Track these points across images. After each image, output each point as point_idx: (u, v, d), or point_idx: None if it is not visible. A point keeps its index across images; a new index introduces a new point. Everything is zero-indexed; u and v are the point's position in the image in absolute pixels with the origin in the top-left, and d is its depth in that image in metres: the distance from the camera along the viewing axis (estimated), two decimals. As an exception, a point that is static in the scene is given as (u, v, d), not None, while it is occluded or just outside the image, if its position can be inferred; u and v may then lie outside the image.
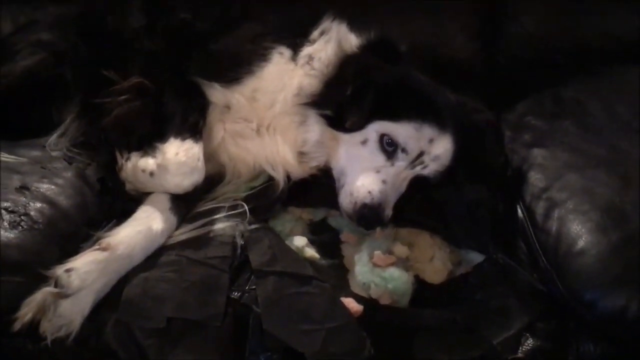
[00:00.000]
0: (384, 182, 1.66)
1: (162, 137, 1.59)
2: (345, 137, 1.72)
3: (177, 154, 1.56)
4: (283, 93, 1.74)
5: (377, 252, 1.63)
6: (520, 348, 1.51)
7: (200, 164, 1.59)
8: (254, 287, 1.53)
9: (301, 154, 1.76)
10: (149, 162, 1.58)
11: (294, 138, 1.75)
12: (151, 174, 1.58)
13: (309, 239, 1.69)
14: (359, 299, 1.56)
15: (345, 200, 1.68)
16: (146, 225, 1.55)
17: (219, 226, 1.64)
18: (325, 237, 1.74)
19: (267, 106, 1.74)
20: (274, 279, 1.53)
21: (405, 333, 1.52)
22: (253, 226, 1.65)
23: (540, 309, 1.58)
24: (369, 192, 1.64)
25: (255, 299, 1.50)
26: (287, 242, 1.66)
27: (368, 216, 1.63)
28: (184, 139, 1.58)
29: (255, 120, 1.75)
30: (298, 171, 1.77)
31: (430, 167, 1.71)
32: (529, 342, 1.52)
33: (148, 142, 1.60)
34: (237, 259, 1.58)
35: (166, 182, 1.58)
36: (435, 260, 1.68)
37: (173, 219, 1.62)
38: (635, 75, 2.01)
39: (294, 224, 1.73)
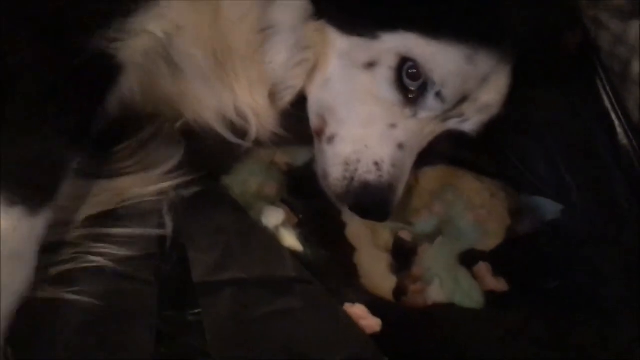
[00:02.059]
0: (400, 146, 1.08)
1: None
2: (341, 44, 1.09)
3: None
4: None
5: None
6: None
7: None
8: (198, 310, 0.96)
9: (272, 93, 1.15)
10: None
11: (256, 69, 1.13)
12: None
13: (290, 204, 1.10)
14: (374, 303, 1.04)
15: (333, 169, 1.09)
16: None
17: (135, 193, 1.03)
18: (314, 202, 1.13)
19: (211, 18, 1.10)
20: (231, 292, 0.98)
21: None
22: (191, 190, 1.04)
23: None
24: (376, 165, 1.07)
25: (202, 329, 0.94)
26: (251, 214, 1.06)
27: (370, 203, 1.08)
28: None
29: (209, 43, 1.11)
30: (271, 115, 1.16)
31: (473, 121, 1.11)
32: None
33: None
34: (171, 256, 0.99)
35: None
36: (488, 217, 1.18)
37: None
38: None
39: (264, 176, 1.14)
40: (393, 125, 1.10)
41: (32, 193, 0.92)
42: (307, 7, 1.08)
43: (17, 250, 0.92)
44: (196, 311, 0.98)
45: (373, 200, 1.09)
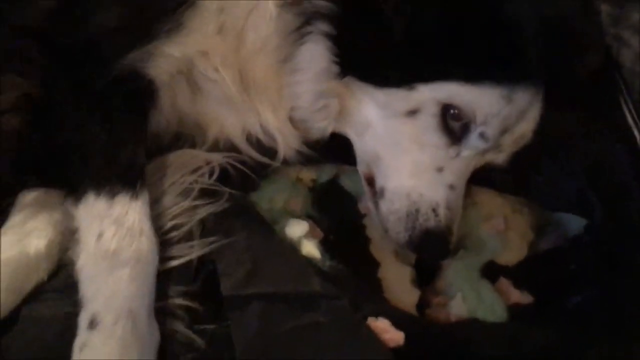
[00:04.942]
0: (451, 188, 1.11)
1: (74, 190, 0.98)
2: (375, 95, 1.09)
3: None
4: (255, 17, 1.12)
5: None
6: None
7: (146, 240, 0.96)
8: (228, 322, 0.97)
9: (294, 120, 1.17)
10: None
11: (278, 94, 1.15)
12: None
13: (315, 219, 1.12)
14: (397, 316, 1.02)
15: (391, 222, 1.11)
16: (20, 248, 0.97)
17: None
18: (335, 209, 1.16)
19: (234, 45, 1.12)
20: (259, 306, 0.98)
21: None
22: (221, 206, 1.07)
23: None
24: (434, 211, 1.09)
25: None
26: (277, 228, 1.09)
27: (432, 247, 1.11)
28: (112, 194, 0.96)
29: (233, 68, 1.13)
30: (295, 135, 1.18)
31: (507, 152, 1.14)
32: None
33: None
34: (201, 270, 1.03)
35: None
36: (509, 231, 1.17)
37: None
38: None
39: (289, 192, 1.17)
40: (440, 169, 1.12)
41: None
42: (331, 66, 1.10)
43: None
44: (225, 324, 1.00)
45: (435, 244, 1.11)
